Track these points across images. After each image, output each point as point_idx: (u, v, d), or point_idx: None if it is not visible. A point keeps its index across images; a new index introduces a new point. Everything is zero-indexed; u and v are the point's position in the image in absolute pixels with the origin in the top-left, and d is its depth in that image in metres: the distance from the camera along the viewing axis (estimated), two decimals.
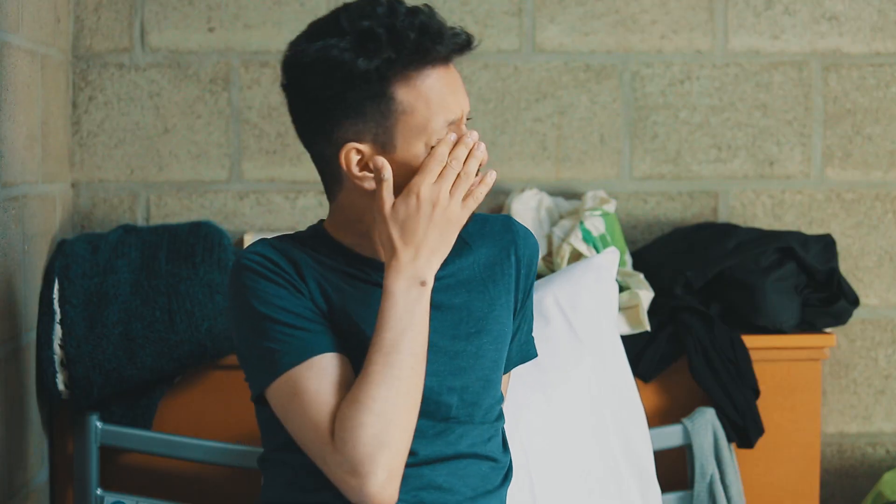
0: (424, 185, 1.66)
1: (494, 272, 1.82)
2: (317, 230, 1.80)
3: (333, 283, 1.73)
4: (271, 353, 1.67)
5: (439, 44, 1.66)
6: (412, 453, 1.70)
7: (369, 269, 1.75)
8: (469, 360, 1.76)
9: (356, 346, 1.70)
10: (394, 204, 1.67)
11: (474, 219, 1.82)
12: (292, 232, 1.82)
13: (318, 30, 1.69)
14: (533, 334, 1.93)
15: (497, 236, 1.84)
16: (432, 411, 1.74)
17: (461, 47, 1.68)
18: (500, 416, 1.84)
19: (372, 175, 1.69)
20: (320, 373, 1.65)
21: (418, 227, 1.66)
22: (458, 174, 1.67)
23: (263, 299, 1.69)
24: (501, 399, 1.84)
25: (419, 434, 1.71)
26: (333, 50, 1.65)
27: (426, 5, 1.69)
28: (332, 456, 1.62)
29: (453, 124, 1.69)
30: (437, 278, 1.73)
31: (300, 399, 1.65)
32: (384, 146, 1.68)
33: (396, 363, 1.63)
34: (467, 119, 1.73)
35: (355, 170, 1.69)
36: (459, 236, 1.77)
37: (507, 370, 1.90)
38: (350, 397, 1.63)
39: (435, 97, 1.67)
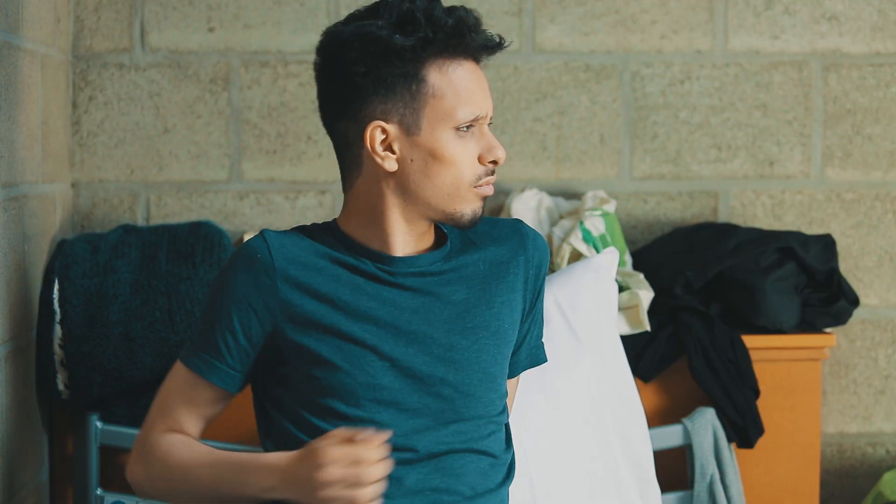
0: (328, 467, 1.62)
1: (499, 271, 1.83)
2: (328, 224, 1.83)
3: (333, 274, 1.75)
4: (195, 336, 1.79)
5: (475, 35, 1.71)
6: (412, 450, 1.72)
7: (373, 262, 1.77)
8: (464, 353, 1.78)
9: (347, 337, 1.73)
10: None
11: (484, 220, 1.86)
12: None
13: (357, 16, 1.75)
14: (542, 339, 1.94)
15: (506, 238, 1.86)
16: (427, 404, 1.75)
17: (494, 45, 1.73)
18: (504, 412, 1.84)
19: (394, 156, 1.73)
20: (192, 391, 1.78)
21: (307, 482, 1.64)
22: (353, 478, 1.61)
23: (222, 308, 1.75)
24: (505, 394, 1.85)
25: (418, 429, 1.74)
26: (371, 27, 1.71)
27: (463, 7, 1.74)
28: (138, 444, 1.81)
29: (477, 120, 1.74)
30: (439, 272, 1.78)
31: (168, 388, 1.80)
32: (409, 128, 1.72)
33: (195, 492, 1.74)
34: (489, 123, 1.77)
35: (379, 148, 1.73)
36: (467, 235, 1.83)
37: (515, 374, 1.92)
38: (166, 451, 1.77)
39: (464, 88, 1.72)
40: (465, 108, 1.72)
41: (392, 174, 1.74)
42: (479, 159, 1.75)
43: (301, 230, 1.82)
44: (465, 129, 1.73)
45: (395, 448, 1.70)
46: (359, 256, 1.77)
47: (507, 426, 1.86)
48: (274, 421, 1.78)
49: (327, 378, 1.73)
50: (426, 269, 1.79)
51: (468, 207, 1.76)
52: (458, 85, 1.71)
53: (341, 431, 1.63)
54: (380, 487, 1.62)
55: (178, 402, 1.80)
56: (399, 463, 1.71)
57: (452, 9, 1.72)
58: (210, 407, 1.80)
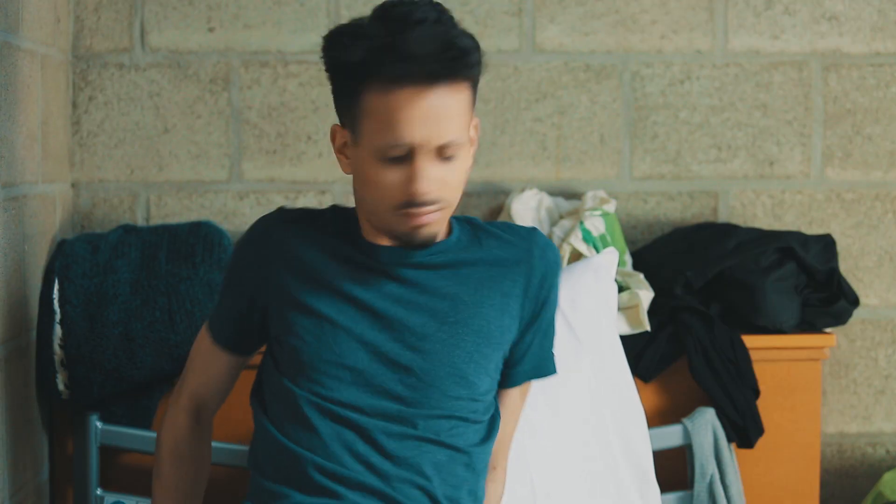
0: None
1: (496, 273, 1.84)
2: (348, 211, 1.88)
3: (327, 257, 1.82)
4: (214, 310, 1.93)
5: (413, 66, 1.66)
6: (366, 429, 1.78)
7: (368, 250, 1.82)
8: (436, 345, 1.80)
9: (323, 316, 1.80)
10: None
11: (502, 224, 1.88)
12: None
13: (358, 19, 1.75)
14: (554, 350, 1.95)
15: (515, 243, 1.87)
16: (390, 388, 1.79)
17: (434, 77, 1.67)
18: (484, 412, 1.86)
19: (348, 160, 1.77)
20: (210, 356, 1.92)
21: None
22: None
23: (230, 273, 1.89)
24: (485, 395, 1.86)
25: (378, 410, 1.79)
26: (340, 33, 1.71)
27: (447, 21, 1.70)
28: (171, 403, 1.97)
29: (400, 151, 1.69)
30: (434, 265, 1.81)
31: (193, 352, 1.96)
32: (354, 139, 1.75)
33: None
34: (444, 153, 1.70)
35: (337, 149, 1.79)
36: (476, 233, 1.85)
37: (515, 383, 1.93)
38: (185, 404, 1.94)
39: (386, 116, 1.68)
40: (388, 135, 1.69)
41: (351, 174, 1.79)
42: (407, 188, 1.72)
43: (318, 212, 1.88)
44: (391, 155, 1.70)
45: (352, 424, 1.78)
46: (357, 244, 1.83)
47: (490, 422, 1.87)
48: (269, 378, 1.86)
49: (298, 350, 1.80)
50: (420, 261, 1.81)
51: (399, 228, 1.75)
52: (390, 111, 1.68)
53: None
54: None
55: (198, 367, 1.95)
56: (356, 438, 1.78)
57: (422, 26, 1.67)
58: (223, 371, 1.93)
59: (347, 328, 1.80)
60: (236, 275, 1.88)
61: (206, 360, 1.93)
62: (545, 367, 1.94)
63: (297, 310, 1.81)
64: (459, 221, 1.88)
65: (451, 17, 1.73)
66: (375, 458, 1.78)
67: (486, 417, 1.87)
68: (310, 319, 1.80)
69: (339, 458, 1.78)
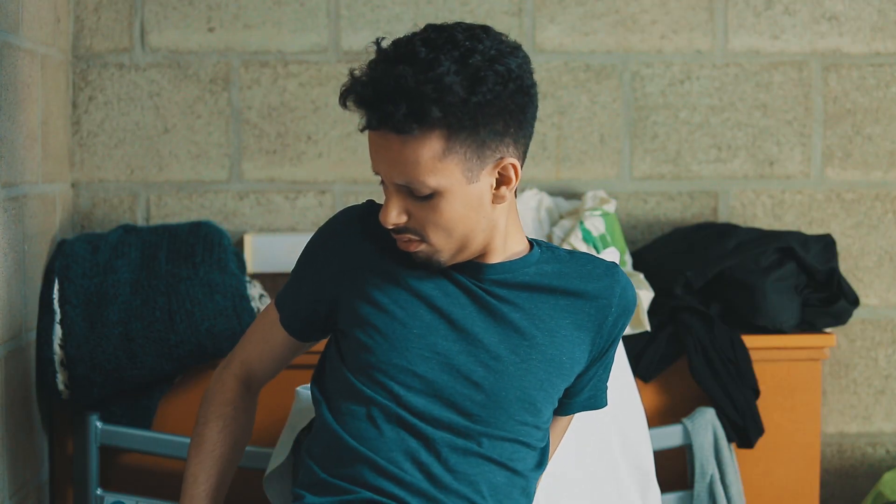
0: None
1: (574, 305, 1.82)
2: None
3: (404, 263, 1.80)
4: (285, 288, 1.90)
5: (360, 106, 1.68)
6: (432, 439, 1.76)
7: (406, 260, 1.81)
8: (509, 367, 1.78)
9: (398, 319, 1.79)
10: None
11: (581, 256, 1.85)
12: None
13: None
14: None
15: (597, 277, 1.83)
16: (458, 401, 1.77)
17: (380, 122, 1.66)
18: (540, 441, 1.84)
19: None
20: (271, 330, 1.90)
21: None
22: None
23: (306, 257, 1.86)
24: (545, 424, 1.84)
25: (443, 422, 1.76)
26: (363, 67, 1.71)
27: (403, 67, 1.65)
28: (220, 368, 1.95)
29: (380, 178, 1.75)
30: (513, 284, 1.80)
31: (254, 323, 1.94)
32: None
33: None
34: (415, 193, 1.70)
35: None
36: (558, 259, 1.84)
37: (569, 412, 1.91)
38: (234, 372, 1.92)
39: (370, 148, 1.73)
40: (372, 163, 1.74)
41: None
42: None
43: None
44: (380, 180, 1.75)
45: (418, 433, 1.76)
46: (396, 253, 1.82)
47: (543, 451, 1.86)
48: (333, 370, 1.84)
49: (366, 348, 1.78)
50: (499, 278, 1.80)
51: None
52: (368, 140, 1.73)
53: None
54: None
55: (257, 338, 1.92)
56: (419, 446, 1.76)
57: (380, 70, 1.66)
58: (280, 349, 1.91)
59: (420, 334, 1.77)
60: (315, 258, 1.85)
61: (268, 334, 1.90)
62: (599, 400, 1.92)
63: (371, 305, 1.79)
64: (541, 246, 1.86)
65: (460, 60, 1.66)
66: (437, 469, 1.76)
67: (543, 445, 1.86)
68: (381, 317, 1.78)
69: (399, 464, 1.76)
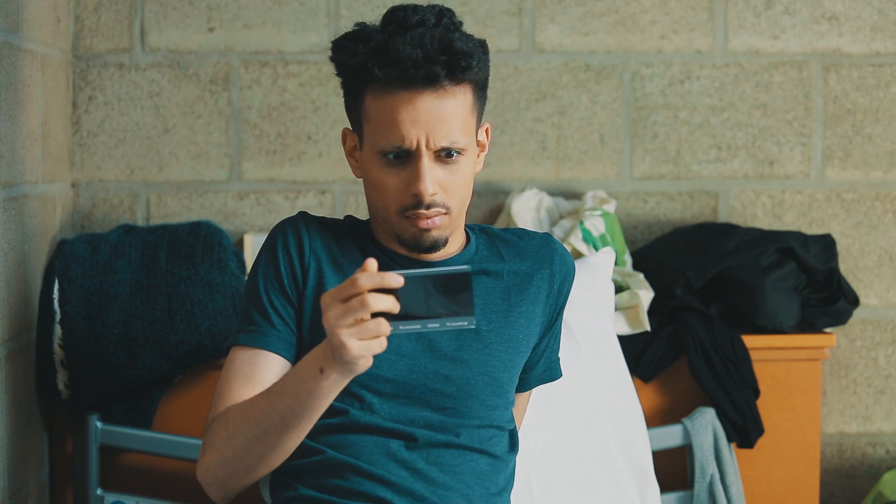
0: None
1: (522, 282, 1.84)
2: (361, 222, 1.86)
3: (357, 259, 1.78)
4: (241, 319, 1.79)
5: (409, 69, 1.66)
6: (412, 438, 1.75)
7: (393, 261, 1.79)
8: (473, 354, 1.79)
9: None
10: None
11: (515, 231, 1.88)
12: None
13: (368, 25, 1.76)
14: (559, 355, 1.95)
15: (534, 250, 1.87)
16: (429, 399, 1.77)
17: (426, 80, 1.67)
18: (510, 422, 1.85)
19: (357, 164, 1.77)
20: (252, 369, 1.75)
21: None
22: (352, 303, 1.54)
23: (265, 274, 1.78)
24: (511, 403, 1.85)
25: (417, 421, 1.76)
26: (344, 37, 1.72)
27: (447, 24, 1.69)
28: (207, 423, 1.77)
29: (401, 150, 1.70)
30: None
31: (225, 374, 1.77)
32: (360, 142, 1.76)
33: (263, 421, 1.66)
34: (444, 156, 1.70)
35: (347, 153, 1.80)
36: (494, 242, 1.85)
37: (528, 388, 1.93)
38: (218, 420, 1.73)
39: (386, 118, 1.69)
40: (386, 138, 1.70)
41: (361, 178, 1.79)
42: (409, 189, 1.72)
43: (335, 219, 1.86)
44: (392, 156, 1.71)
45: (397, 434, 1.75)
46: (382, 251, 1.81)
47: (512, 433, 1.87)
48: None
49: None
50: None
51: (406, 233, 1.75)
52: (386, 114, 1.69)
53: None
54: (385, 327, 1.53)
55: (239, 384, 1.75)
56: (400, 446, 1.75)
57: (422, 28, 1.68)
58: (271, 380, 1.74)
59: None
60: (275, 261, 1.78)
61: (248, 373, 1.76)
62: (554, 372, 1.94)
63: None
64: (475, 231, 1.87)
65: (455, 21, 1.72)
66: (421, 465, 1.76)
67: (511, 427, 1.87)
68: None
69: (384, 465, 1.75)
